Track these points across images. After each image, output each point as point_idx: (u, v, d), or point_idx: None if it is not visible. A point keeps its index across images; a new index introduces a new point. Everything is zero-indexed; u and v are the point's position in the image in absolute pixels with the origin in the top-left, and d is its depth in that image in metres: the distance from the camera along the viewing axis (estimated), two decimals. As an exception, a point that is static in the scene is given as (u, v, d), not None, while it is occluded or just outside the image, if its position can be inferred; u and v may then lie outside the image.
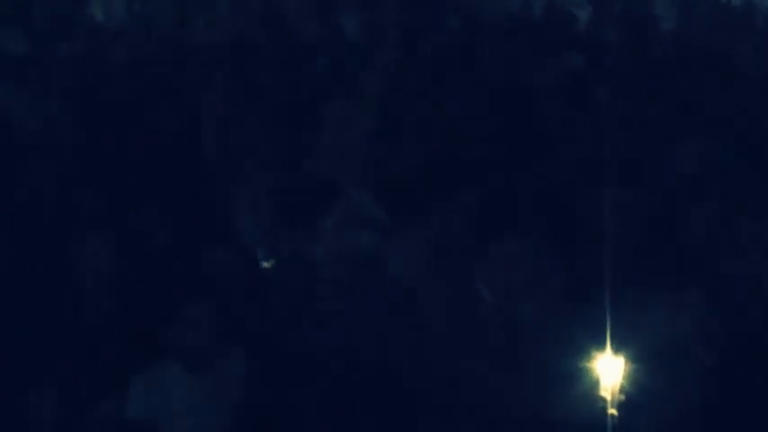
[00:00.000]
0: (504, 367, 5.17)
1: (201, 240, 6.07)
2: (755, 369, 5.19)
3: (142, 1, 10.74)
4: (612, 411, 4.64)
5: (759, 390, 5.13)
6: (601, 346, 4.74)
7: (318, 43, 9.56)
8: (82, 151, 7.38)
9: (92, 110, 8.05)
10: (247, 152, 7.32)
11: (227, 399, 5.34)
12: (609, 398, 4.66)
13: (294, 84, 8.37)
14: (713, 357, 5.19)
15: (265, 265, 6.14)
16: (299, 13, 10.14)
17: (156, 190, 6.78)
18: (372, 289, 5.71)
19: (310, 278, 5.82)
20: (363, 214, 6.27)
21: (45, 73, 8.49)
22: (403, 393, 5.28)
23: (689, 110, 7.78)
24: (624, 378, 4.69)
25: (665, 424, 4.98)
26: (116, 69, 8.83)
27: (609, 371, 4.67)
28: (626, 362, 4.72)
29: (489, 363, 5.19)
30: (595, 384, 4.67)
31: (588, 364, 4.71)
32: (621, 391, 4.69)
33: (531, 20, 9.96)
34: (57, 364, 5.66)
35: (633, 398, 4.74)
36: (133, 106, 8.10)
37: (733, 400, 5.07)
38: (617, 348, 4.74)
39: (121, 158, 7.17)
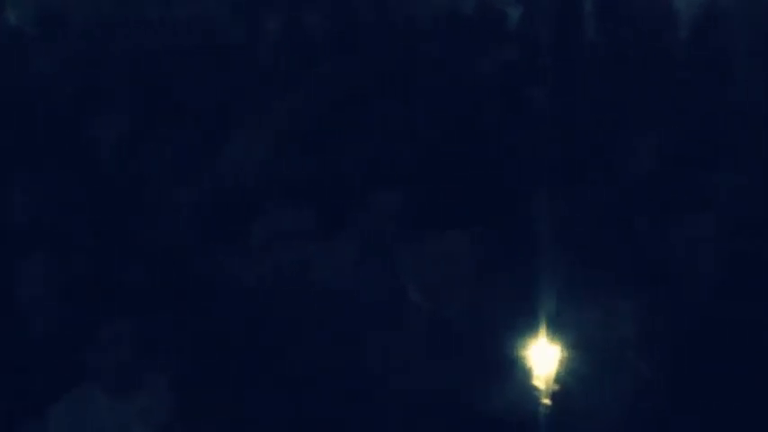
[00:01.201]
0: (437, 364, 5.13)
1: (124, 256, 5.90)
2: (692, 381, 5.15)
3: (58, 4, 10.46)
4: (546, 401, 4.66)
5: (692, 403, 5.10)
6: (536, 340, 4.75)
7: (245, 45, 9.41)
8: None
9: (12, 118, 7.85)
10: (169, 164, 7.11)
11: (151, 421, 5.15)
12: (543, 388, 4.68)
13: (218, 90, 8.21)
14: (651, 367, 5.16)
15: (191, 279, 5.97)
16: (225, 14, 9.97)
17: (76, 203, 6.57)
18: (301, 296, 5.62)
19: (237, 288, 5.70)
20: (291, 221, 6.13)
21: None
22: (335, 396, 5.22)
23: (626, 105, 7.75)
24: (559, 371, 4.71)
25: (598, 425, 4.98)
26: (33, 75, 8.62)
27: (543, 363, 4.70)
28: (561, 358, 4.74)
29: (421, 360, 5.16)
30: (529, 375, 4.69)
31: (523, 357, 4.71)
32: (556, 381, 4.70)
33: (463, 18, 9.89)
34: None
35: (566, 395, 4.74)
36: (55, 113, 7.91)
37: (667, 411, 5.04)
38: (552, 343, 4.76)
39: (41, 168, 6.95)
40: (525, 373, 4.71)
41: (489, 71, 8.39)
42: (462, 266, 5.31)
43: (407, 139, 7.23)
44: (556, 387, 4.68)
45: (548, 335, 4.79)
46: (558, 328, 4.86)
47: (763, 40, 8.76)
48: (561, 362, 4.74)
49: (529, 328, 4.85)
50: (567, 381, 4.75)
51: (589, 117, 7.55)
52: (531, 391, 4.67)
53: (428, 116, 7.61)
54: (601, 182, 6.60)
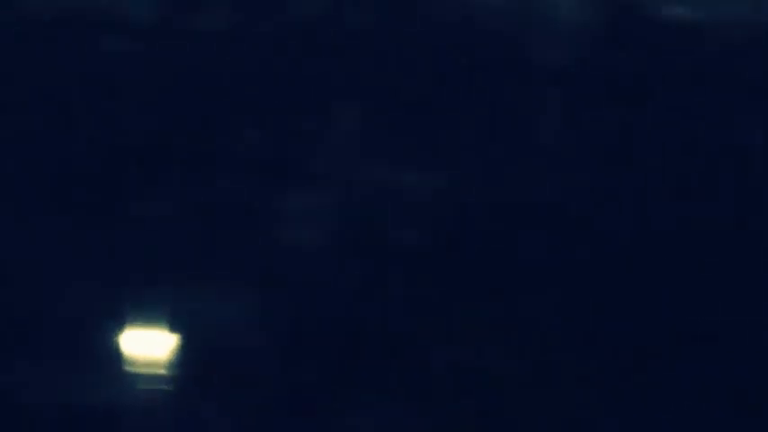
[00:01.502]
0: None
1: None
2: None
3: None
4: (155, 386, 4.60)
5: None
6: (140, 328, 4.68)
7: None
8: None
9: None
10: None
11: None
12: (150, 374, 4.62)
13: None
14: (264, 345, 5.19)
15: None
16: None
17: None
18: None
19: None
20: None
21: None
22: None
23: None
24: (168, 357, 4.66)
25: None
26: None
27: (151, 350, 4.66)
28: (168, 345, 4.70)
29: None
30: (136, 363, 4.61)
31: (123, 346, 4.63)
32: (163, 367, 4.66)
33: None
34: None
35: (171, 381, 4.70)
36: None
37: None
38: (163, 330, 4.71)
39: None
40: (126, 362, 4.62)
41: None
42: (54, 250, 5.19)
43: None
44: (160, 372, 4.62)
45: (154, 323, 4.72)
46: (168, 317, 4.79)
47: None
48: (169, 349, 4.68)
49: (129, 316, 4.75)
50: (175, 366, 4.69)
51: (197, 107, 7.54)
52: (132, 379, 4.56)
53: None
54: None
